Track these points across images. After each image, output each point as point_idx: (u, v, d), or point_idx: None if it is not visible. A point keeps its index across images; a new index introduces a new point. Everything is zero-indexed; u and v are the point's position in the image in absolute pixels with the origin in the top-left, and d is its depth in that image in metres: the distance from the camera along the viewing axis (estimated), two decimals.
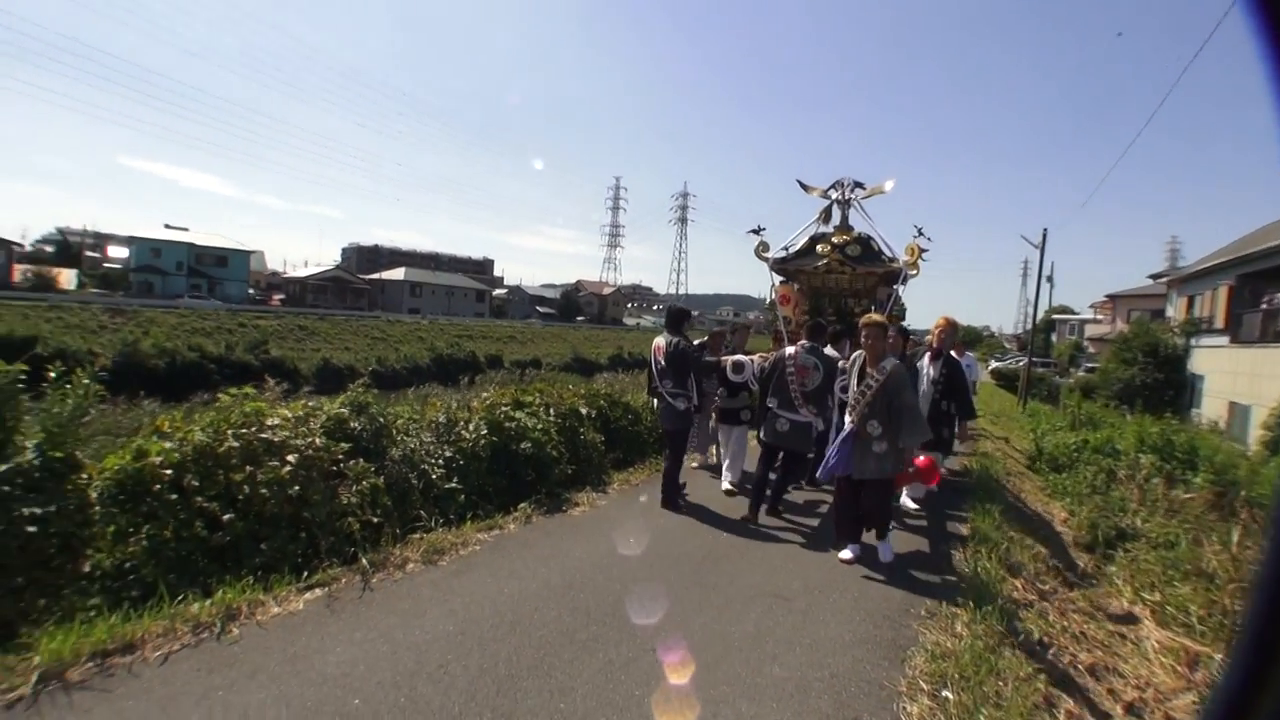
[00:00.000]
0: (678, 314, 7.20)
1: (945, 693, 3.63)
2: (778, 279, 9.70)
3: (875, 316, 5.63)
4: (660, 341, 6.88)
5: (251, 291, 65.79)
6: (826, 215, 9.43)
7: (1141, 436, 11.72)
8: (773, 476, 6.81)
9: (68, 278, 50.00)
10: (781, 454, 6.80)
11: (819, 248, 9.25)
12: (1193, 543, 6.91)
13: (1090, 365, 41.27)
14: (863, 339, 5.53)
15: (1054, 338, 62.26)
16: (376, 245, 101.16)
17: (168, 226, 63.13)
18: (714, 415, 8.30)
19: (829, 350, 6.98)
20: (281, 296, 69.77)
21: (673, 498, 6.90)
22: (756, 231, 9.23)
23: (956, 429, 8.17)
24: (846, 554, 5.55)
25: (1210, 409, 23.45)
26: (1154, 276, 40.37)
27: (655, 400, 7.27)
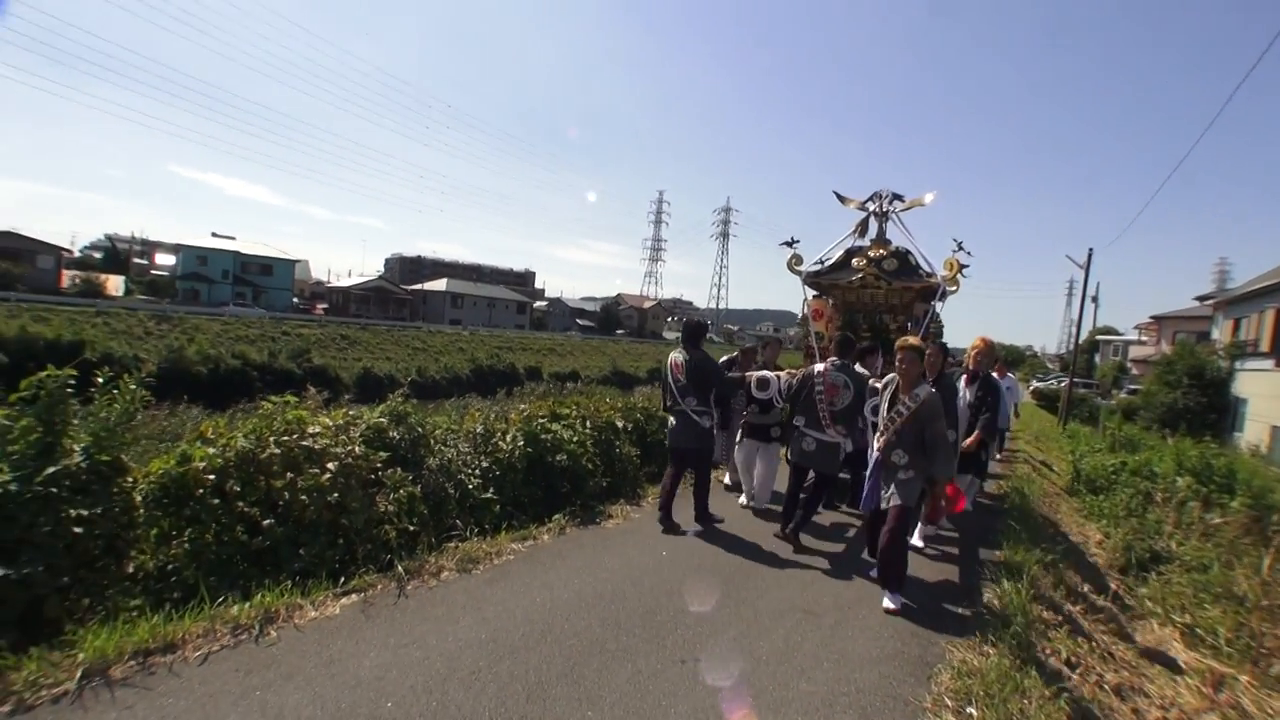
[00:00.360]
0: (695, 327, 6.84)
1: (970, 709, 3.66)
2: (811, 293, 9.50)
3: (911, 340, 5.25)
4: (678, 357, 6.56)
5: (295, 300, 67.06)
6: (863, 228, 9.20)
7: (1179, 459, 11.47)
8: (802, 496, 6.56)
9: (115, 284, 51.27)
10: (811, 475, 6.58)
11: (854, 261, 9.03)
12: (1224, 566, 6.87)
13: (1133, 387, 40.58)
14: (897, 363, 5.26)
15: (1097, 359, 61.39)
16: (419, 256, 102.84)
17: (215, 235, 64.72)
18: (740, 432, 7.91)
19: (859, 368, 6.72)
20: (325, 305, 71.05)
21: (706, 516, 6.72)
22: (790, 244, 9.10)
23: (990, 448, 7.86)
24: (891, 603, 5.01)
25: (1252, 433, 23.11)
26: (1200, 298, 39.41)
27: (671, 419, 6.74)
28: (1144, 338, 56.59)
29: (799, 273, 8.98)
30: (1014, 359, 77.28)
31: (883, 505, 5.12)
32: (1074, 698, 4.11)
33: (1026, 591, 5.42)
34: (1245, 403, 24.96)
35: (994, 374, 8.34)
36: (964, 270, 7.88)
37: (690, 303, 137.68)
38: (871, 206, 9.17)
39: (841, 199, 9.55)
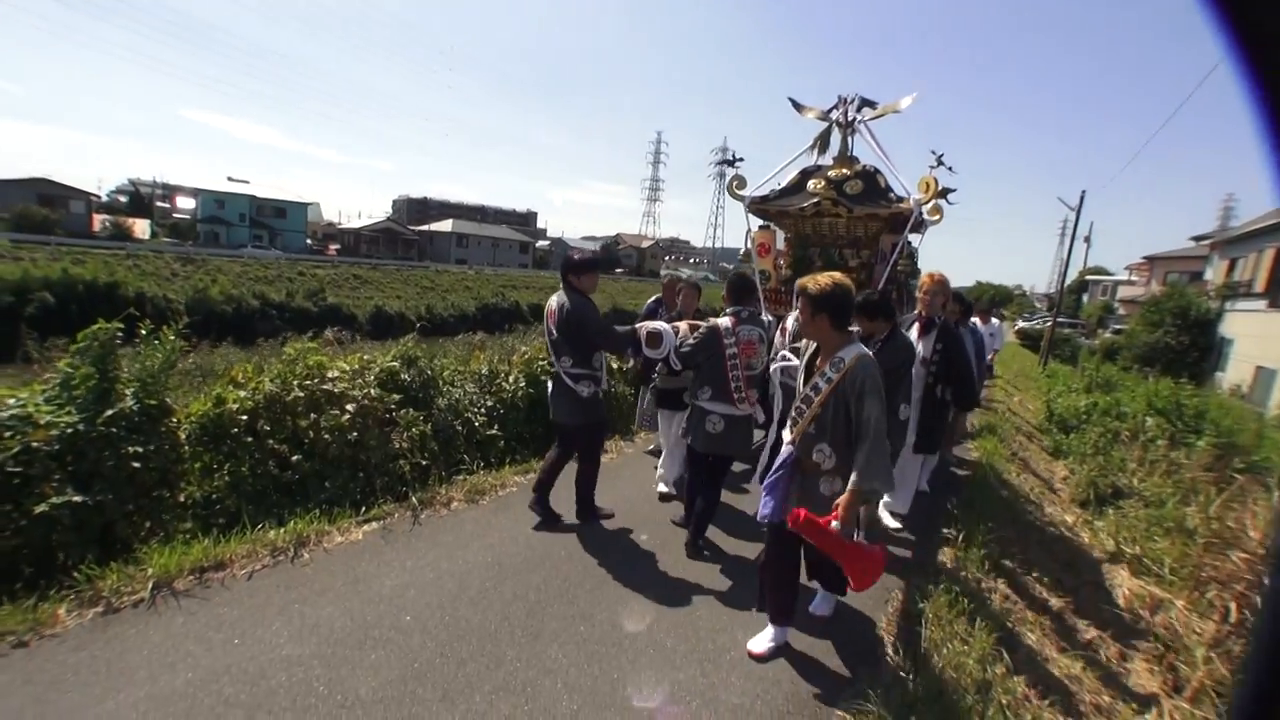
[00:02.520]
0: (571, 264, 4.91)
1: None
2: (756, 223, 7.44)
3: (821, 279, 3.29)
4: (553, 302, 4.90)
5: (309, 242, 66.98)
6: (823, 143, 7.25)
7: (1150, 399, 11.77)
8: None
9: (142, 228, 51.36)
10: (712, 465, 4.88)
11: (810, 184, 6.98)
12: (1180, 502, 7.14)
13: (1118, 327, 39.99)
14: (799, 315, 3.51)
15: (1085, 299, 60.10)
16: (425, 198, 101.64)
17: (230, 179, 64.37)
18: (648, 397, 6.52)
19: (765, 315, 5.73)
20: (337, 247, 70.90)
21: (587, 510, 5.27)
22: (730, 163, 7.18)
23: (952, 423, 6.85)
24: (760, 644, 3.62)
25: (1235, 373, 23.13)
26: (1196, 238, 38.84)
27: (550, 384, 5.12)
28: (1134, 278, 55.33)
29: (741, 198, 7.18)
30: (1002, 298, 76.02)
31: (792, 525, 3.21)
32: (1016, 621, 4.51)
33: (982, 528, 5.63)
34: (1231, 343, 24.89)
35: (971, 319, 7.78)
36: (948, 196, 6.17)
37: (688, 242, 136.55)
38: (835, 115, 7.14)
39: (798, 107, 7.54)
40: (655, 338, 4.85)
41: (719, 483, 4.89)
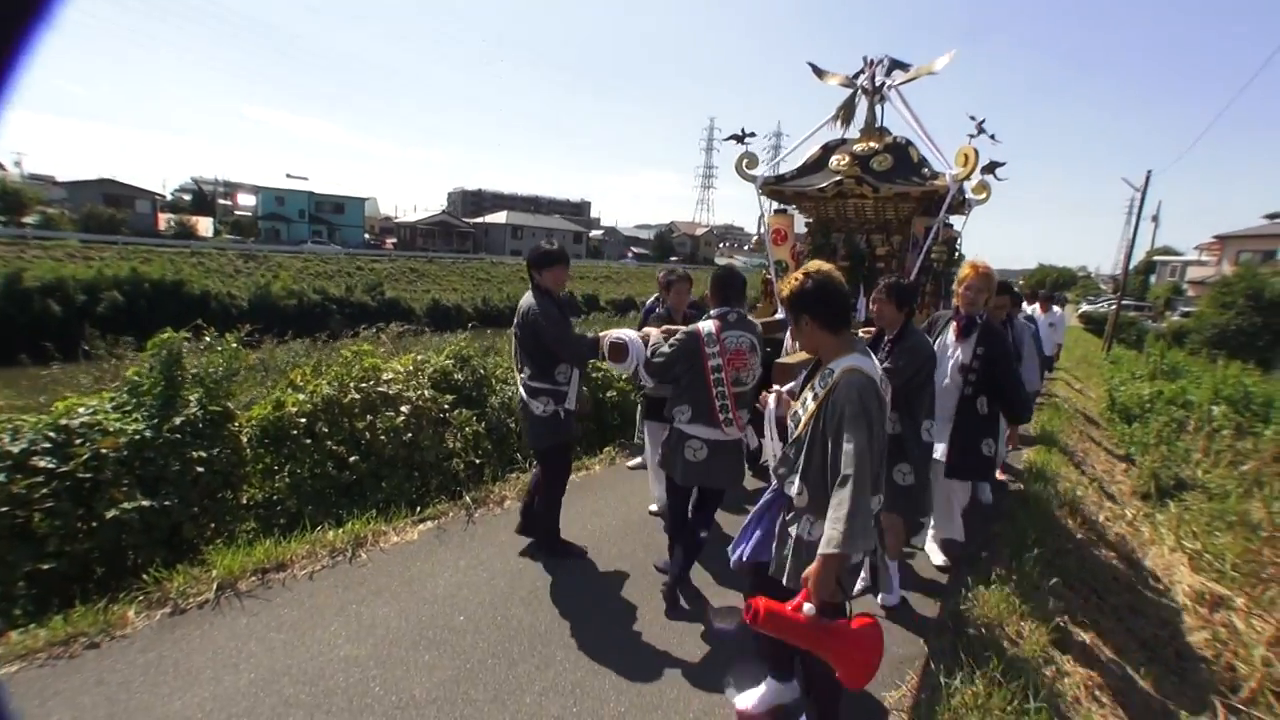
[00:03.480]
0: (533, 256, 4.25)
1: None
2: (771, 207, 6.63)
3: (794, 275, 2.71)
4: (521, 303, 4.27)
5: (366, 236, 68.43)
6: (847, 113, 6.30)
7: (1217, 388, 11.28)
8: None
9: (205, 225, 53.09)
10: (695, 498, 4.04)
11: (833, 160, 6.09)
12: (1244, 495, 6.87)
13: (1186, 310, 38.35)
14: (791, 324, 2.98)
15: (1153, 280, 57.37)
16: (480, 189, 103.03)
17: (289, 176, 66.02)
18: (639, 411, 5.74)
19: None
20: (394, 240, 72.26)
21: (551, 544, 4.52)
22: (740, 139, 6.28)
23: (1003, 440, 5.80)
24: (746, 701, 3.10)
25: None
26: (1270, 216, 37.10)
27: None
28: (1205, 258, 53.02)
29: (752, 178, 6.26)
30: (1065, 280, 73.39)
31: (773, 574, 2.74)
32: (1072, 618, 4.35)
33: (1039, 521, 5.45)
34: None
35: (1026, 308, 7.47)
36: (995, 171, 5.46)
37: (742, 229, 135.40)
38: (861, 81, 6.16)
39: (819, 73, 6.51)
40: (619, 350, 3.98)
41: (706, 520, 4.00)
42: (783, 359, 4.37)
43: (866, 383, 2.48)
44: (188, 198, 67.42)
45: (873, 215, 6.10)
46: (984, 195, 5.56)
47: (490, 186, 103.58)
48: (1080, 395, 14.37)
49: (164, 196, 60.57)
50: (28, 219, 37.63)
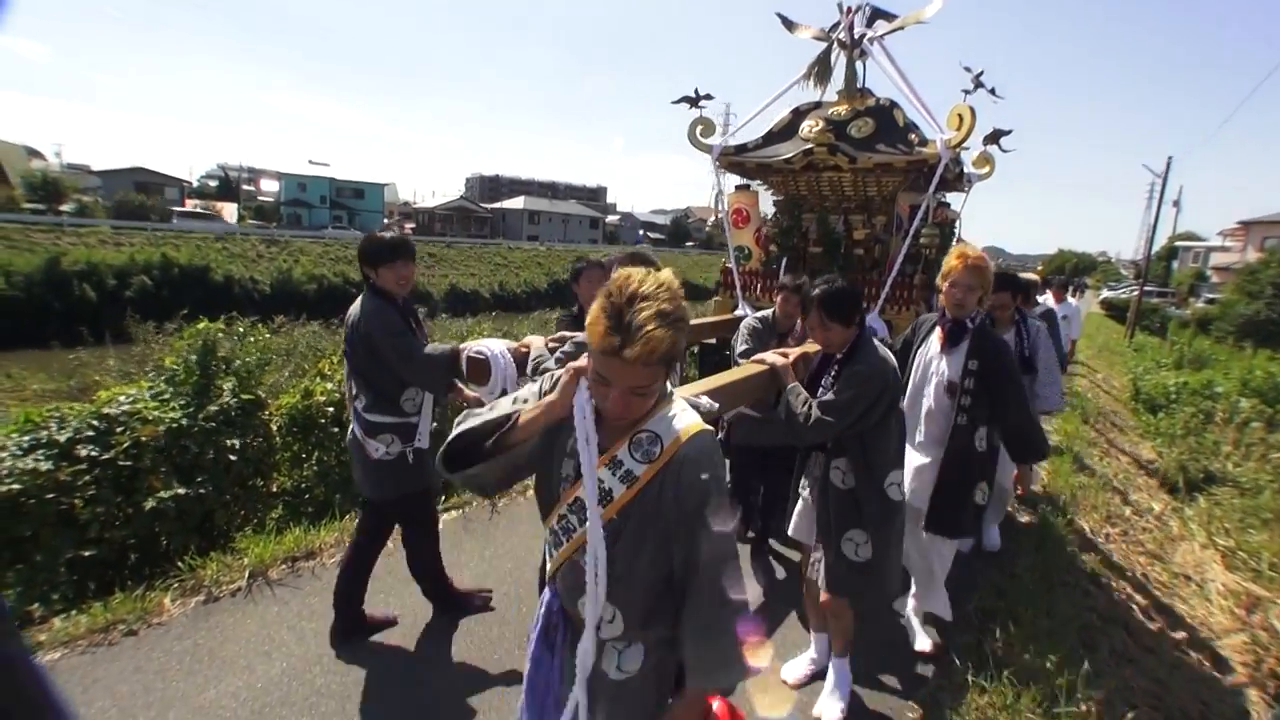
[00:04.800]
0: (366, 249, 3.23)
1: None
2: (730, 182, 5.54)
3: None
4: (354, 309, 3.24)
5: (385, 221, 68.56)
6: (821, 70, 5.06)
7: (1245, 379, 11.07)
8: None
9: (229, 211, 53.46)
10: None
11: (804, 126, 4.93)
12: (1278, 491, 6.70)
13: (1211, 296, 37.39)
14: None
15: (1175, 266, 55.83)
16: (498, 175, 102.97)
17: (311, 162, 66.15)
18: None
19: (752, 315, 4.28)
20: (412, 225, 72.27)
21: (451, 597, 3.66)
22: (693, 102, 5.08)
23: (1008, 480, 4.82)
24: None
25: None
26: None
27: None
28: (1229, 244, 52.01)
29: (707, 148, 5.11)
30: (1085, 266, 72.18)
31: None
32: (1102, 616, 4.21)
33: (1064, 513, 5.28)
34: None
35: (1041, 297, 6.85)
36: (1000, 141, 4.65)
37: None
38: (838, 34, 5.01)
39: (789, 25, 5.35)
40: (479, 367, 2.94)
41: None
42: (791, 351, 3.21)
43: (715, 454, 1.59)
44: (214, 184, 67.77)
45: (851, 191, 4.99)
46: (986, 169, 4.84)
47: (508, 172, 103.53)
48: (1101, 388, 13.72)
49: (191, 183, 61.04)
50: (65, 207, 38.10)
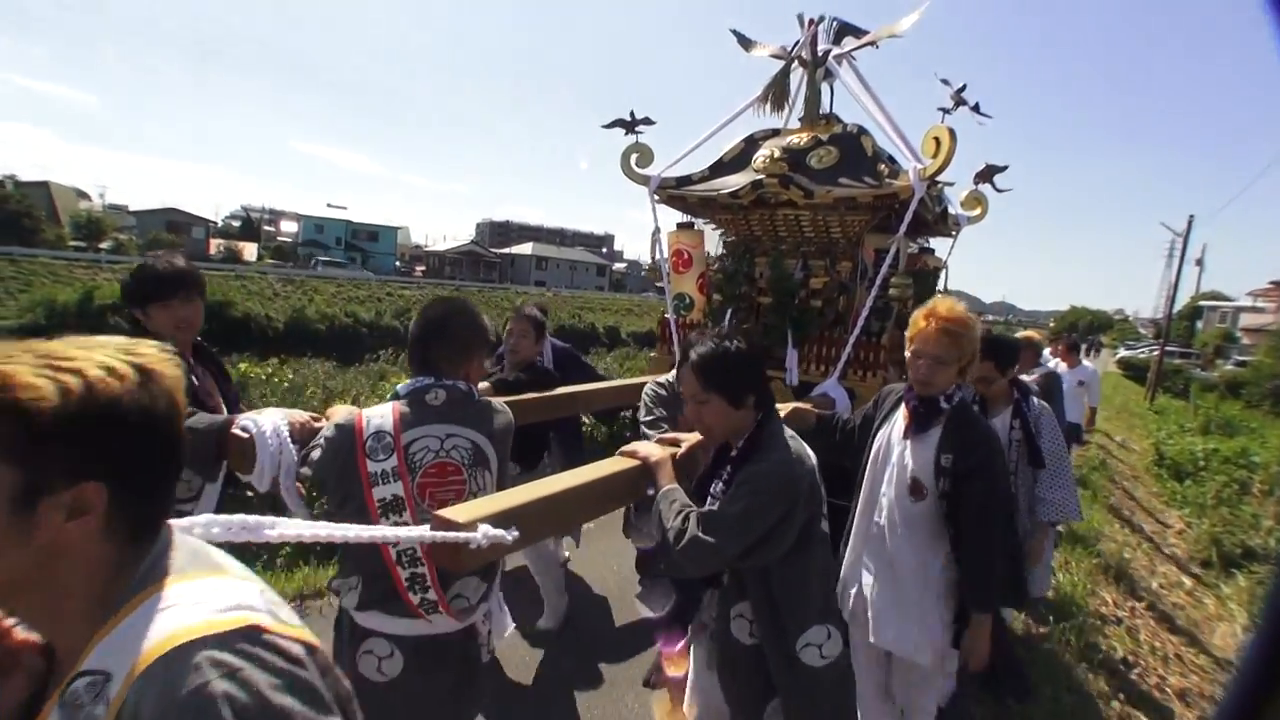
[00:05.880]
0: (140, 284, 2.41)
1: None
2: (673, 219, 4.53)
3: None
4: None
5: (397, 264, 69.37)
6: (777, 93, 4.32)
7: None
8: None
9: (250, 251, 54.35)
10: None
11: (759, 156, 4.05)
12: None
13: (1241, 359, 35.20)
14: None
15: (1199, 326, 53.75)
16: (507, 221, 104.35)
17: (329, 205, 67.26)
18: None
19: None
20: (423, 268, 73.23)
21: None
22: (628, 127, 4.24)
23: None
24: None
25: None
26: None
27: None
28: (1261, 304, 49.79)
29: (643, 179, 4.27)
30: (1101, 324, 69.45)
31: None
32: (1129, 699, 3.84)
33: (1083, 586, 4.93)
34: None
35: (1042, 362, 5.81)
36: (994, 178, 4.00)
37: None
38: (798, 50, 4.23)
39: (745, 43, 4.56)
40: (242, 448, 2.03)
41: None
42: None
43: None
44: (237, 224, 68.96)
45: (812, 233, 4.08)
46: (978, 210, 4.15)
47: (517, 218, 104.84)
48: (1120, 456, 12.83)
49: (215, 223, 62.25)
50: (103, 244, 39.91)
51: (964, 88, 3.59)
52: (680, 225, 4.44)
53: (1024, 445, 3.49)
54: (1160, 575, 6.43)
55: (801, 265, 4.05)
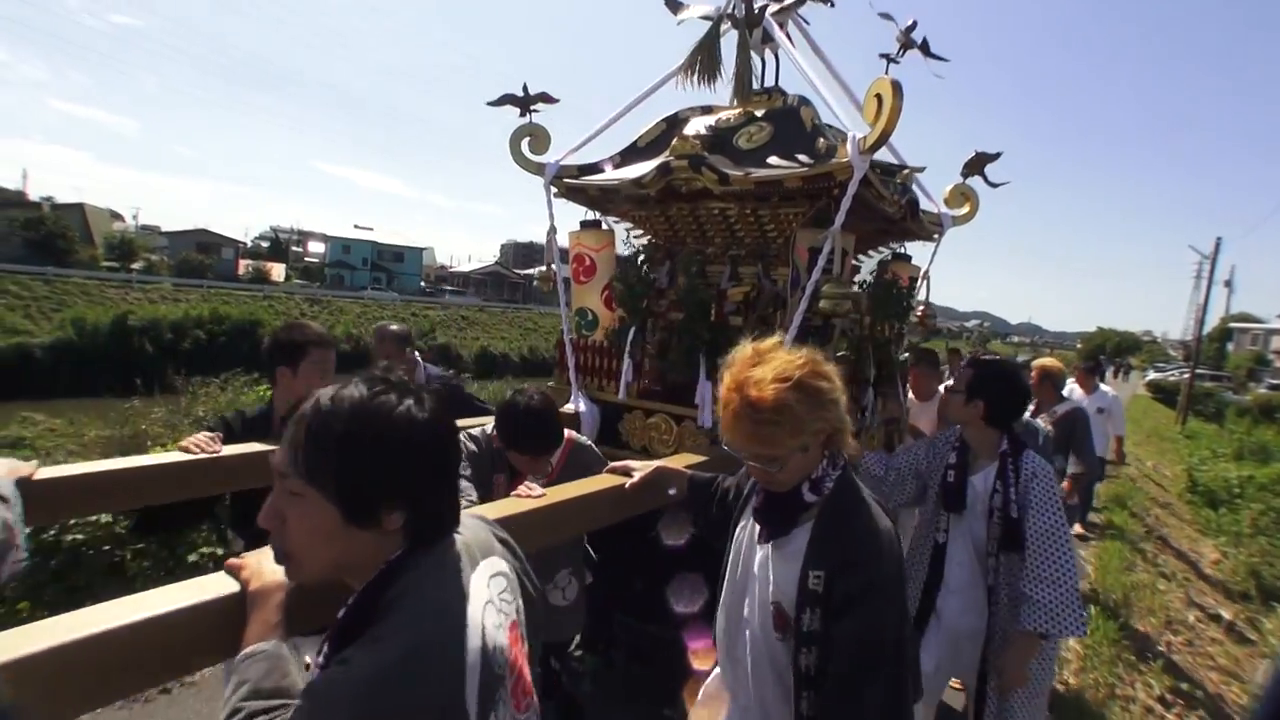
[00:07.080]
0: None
1: None
2: (581, 216, 3.82)
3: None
4: None
5: (423, 284, 69.95)
6: (706, 61, 3.43)
7: None
8: None
9: (278, 271, 54.90)
10: None
11: (679, 138, 3.06)
12: None
13: (1274, 382, 34.41)
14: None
15: (1230, 348, 52.67)
16: (531, 242, 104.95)
17: (356, 226, 68.06)
18: None
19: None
20: (449, 289, 73.82)
21: None
22: (522, 105, 3.45)
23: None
24: None
25: None
26: None
27: None
28: None
29: (536, 168, 3.53)
30: (1128, 345, 67.53)
31: None
32: None
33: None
34: None
35: (1059, 388, 4.93)
36: (984, 169, 3.51)
37: None
38: (729, 8, 3.39)
39: (674, 5, 3.55)
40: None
41: None
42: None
43: None
44: (266, 245, 69.92)
45: (743, 231, 3.26)
46: (965, 208, 3.52)
47: (541, 239, 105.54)
48: (1154, 472, 12.52)
49: (245, 244, 63.09)
50: (135, 265, 40.61)
51: (913, 26, 2.99)
52: (584, 224, 3.72)
53: (1001, 520, 2.44)
54: (1195, 607, 6.14)
55: (730, 273, 3.28)
